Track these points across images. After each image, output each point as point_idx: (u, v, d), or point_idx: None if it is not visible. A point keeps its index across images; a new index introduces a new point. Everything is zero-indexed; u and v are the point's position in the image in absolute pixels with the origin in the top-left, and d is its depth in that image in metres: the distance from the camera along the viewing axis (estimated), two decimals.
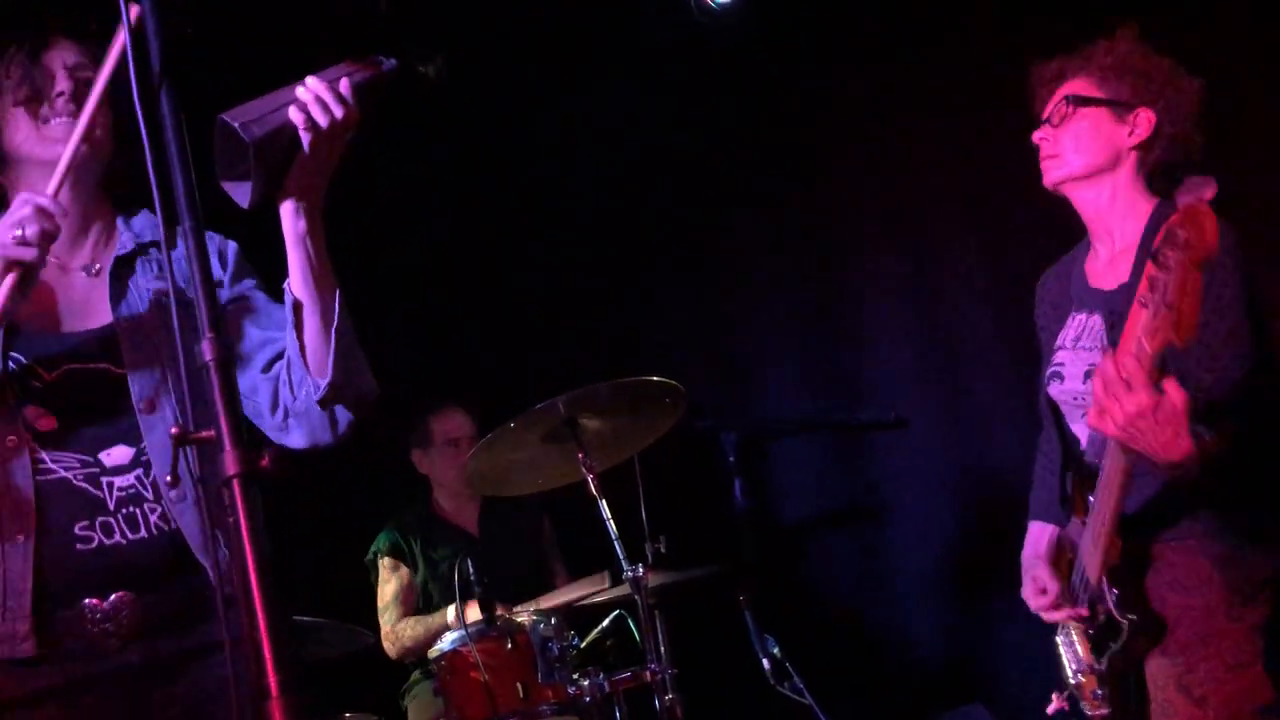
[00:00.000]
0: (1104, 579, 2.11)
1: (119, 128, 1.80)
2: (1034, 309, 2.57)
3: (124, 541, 1.65)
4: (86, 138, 1.67)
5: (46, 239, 1.57)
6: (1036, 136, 2.32)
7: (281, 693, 0.95)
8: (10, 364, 1.68)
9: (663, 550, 3.07)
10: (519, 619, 3.06)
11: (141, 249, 1.87)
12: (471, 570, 3.04)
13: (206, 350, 1.06)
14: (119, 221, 1.91)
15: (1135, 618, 2.07)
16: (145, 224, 1.91)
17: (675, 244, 4.56)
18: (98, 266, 1.84)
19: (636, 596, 2.93)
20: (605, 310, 4.63)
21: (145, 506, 1.68)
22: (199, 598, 1.68)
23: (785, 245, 4.36)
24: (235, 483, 1.00)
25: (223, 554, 1.63)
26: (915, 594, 4.12)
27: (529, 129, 4.58)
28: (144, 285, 1.83)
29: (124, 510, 1.66)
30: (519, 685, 2.89)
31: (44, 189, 1.64)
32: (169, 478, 1.46)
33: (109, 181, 1.88)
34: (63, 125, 1.72)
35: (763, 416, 4.34)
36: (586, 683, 2.88)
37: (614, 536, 3.01)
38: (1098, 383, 1.76)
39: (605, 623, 3.22)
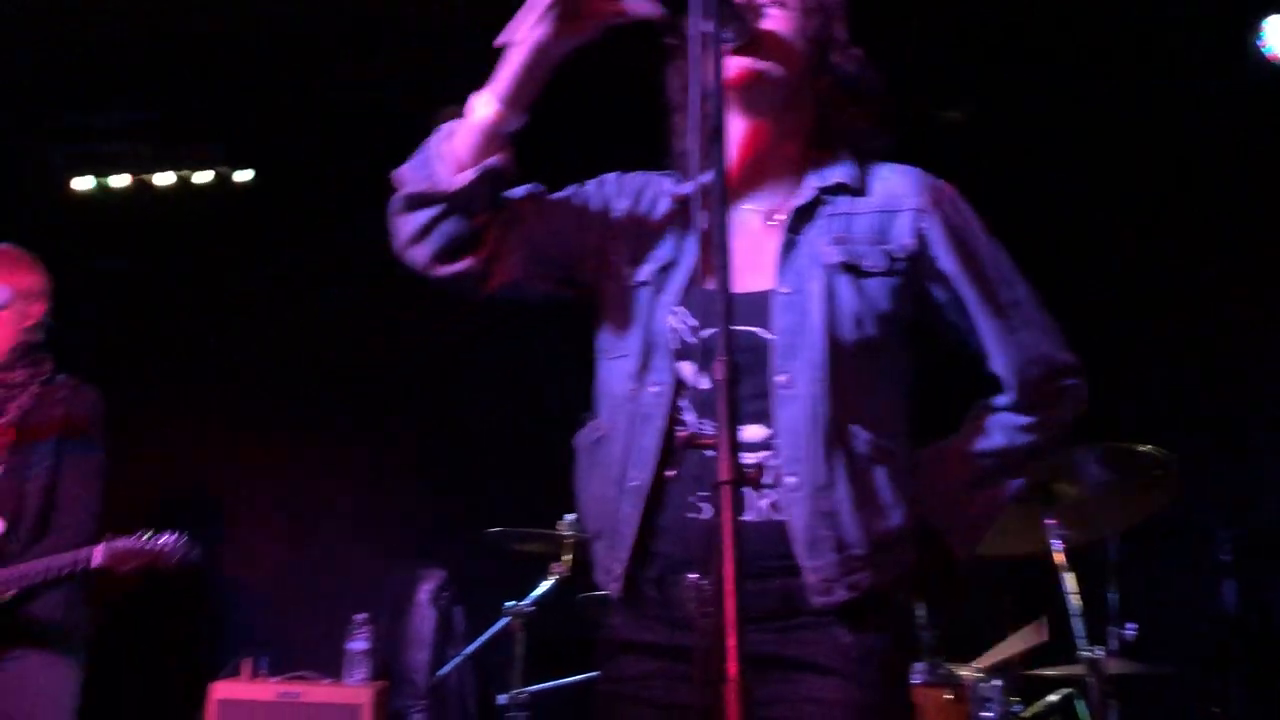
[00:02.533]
0: None
1: (812, 42, 1.72)
2: None
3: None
4: (739, 49, 1.64)
5: None
6: None
7: (739, 678, 1.09)
8: (675, 313, 1.67)
9: (1129, 638, 2.88)
10: (962, 671, 3.03)
11: (829, 200, 1.72)
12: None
13: (718, 370, 1.22)
14: (816, 161, 1.77)
15: None
16: (840, 165, 1.75)
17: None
18: (778, 215, 1.73)
19: (1090, 679, 2.78)
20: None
21: (760, 490, 1.57)
22: (788, 598, 1.55)
23: None
24: (725, 488, 1.16)
25: (829, 558, 1.53)
26: None
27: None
28: (820, 248, 1.67)
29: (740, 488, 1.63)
30: None
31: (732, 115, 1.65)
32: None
33: (800, 108, 1.76)
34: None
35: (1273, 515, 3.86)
36: None
37: (1074, 612, 2.87)
38: None
39: (1053, 698, 3.09)
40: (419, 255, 1.71)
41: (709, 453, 1.36)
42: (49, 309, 3.22)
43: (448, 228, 1.68)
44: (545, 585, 3.67)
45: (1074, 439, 2.90)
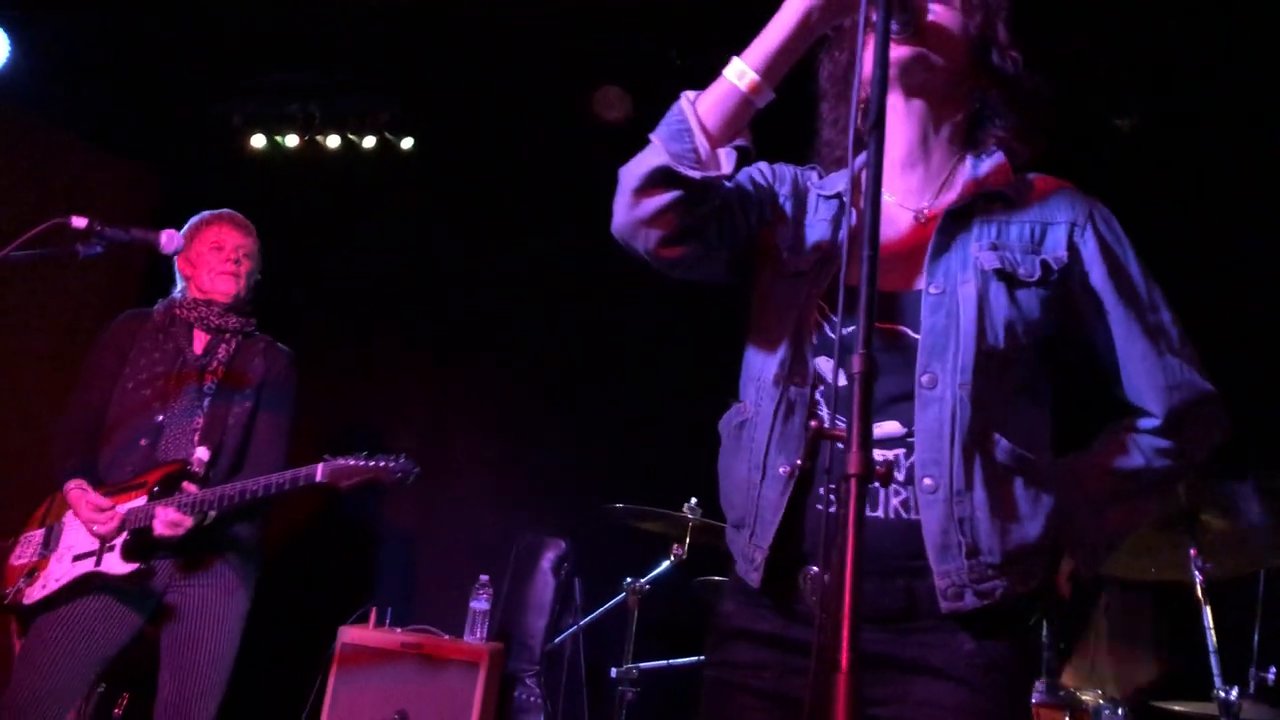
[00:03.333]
0: None
1: (973, 37, 1.70)
2: None
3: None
4: (904, 38, 1.62)
5: None
6: None
7: (849, 669, 1.08)
8: (821, 306, 1.65)
9: (1270, 682, 2.74)
10: (1084, 695, 2.93)
11: (982, 203, 1.68)
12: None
13: (856, 363, 1.20)
14: (968, 161, 1.73)
15: None
16: (994, 165, 1.71)
17: None
18: (929, 213, 1.70)
19: None
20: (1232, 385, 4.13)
21: (891, 488, 1.54)
22: (912, 599, 1.52)
23: None
24: (853, 481, 1.15)
25: (960, 563, 1.50)
26: None
27: None
28: (973, 251, 1.63)
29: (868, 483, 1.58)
30: None
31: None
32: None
33: (959, 101, 1.73)
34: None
35: None
36: None
37: (1212, 649, 2.75)
38: None
39: None
40: (651, 235, 1.63)
41: (840, 445, 1.37)
42: (258, 270, 3.51)
43: (689, 211, 1.61)
44: (664, 565, 3.71)
45: (1227, 471, 2.79)
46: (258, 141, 5.49)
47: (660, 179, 1.58)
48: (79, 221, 2.62)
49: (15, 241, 2.48)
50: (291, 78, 5.38)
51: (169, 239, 2.87)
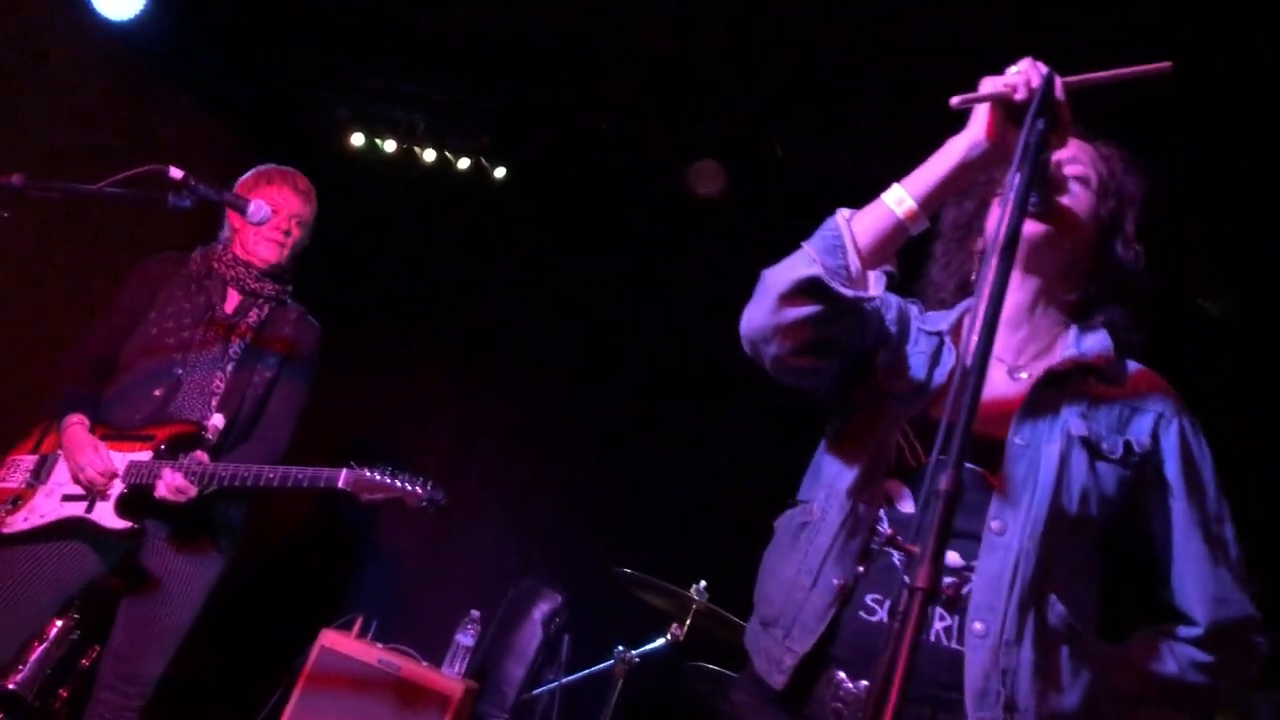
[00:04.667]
0: None
1: (1103, 224, 1.74)
2: None
3: None
4: (1038, 214, 1.65)
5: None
6: None
7: None
8: (904, 432, 1.67)
9: None
10: None
11: (1079, 375, 1.71)
12: None
13: (944, 480, 1.19)
14: (1072, 331, 1.78)
15: None
16: (1098, 341, 1.74)
17: None
18: (1026, 373, 1.74)
19: None
20: None
21: (938, 613, 1.54)
22: None
23: None
24: (919, 594, 1.11)
25: (996, 714, 1.47)
26: None
27: None
28: (1063, 412, 1.66)
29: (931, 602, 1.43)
30: None
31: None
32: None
33: (1072, 279, 1.77)
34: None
35: None
36: None
37: None
38: None
39: None
40: (786, 343, 1.63)
41: (897, 558, 1.33)
42: (308, 238, 3.36)
43: (828, 325, 1.61)
44: (659, 642, 3.63)
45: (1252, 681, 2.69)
46: (357, 139, 5.57)
47: (809, 289, 1.58)
48: (176, 172, 2.64)
49: (112, 178, 2.50)
50: (403, 85, 5.47)
51: (257, 208, 2.88)
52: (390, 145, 5.56)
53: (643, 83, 4.93)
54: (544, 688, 4.29)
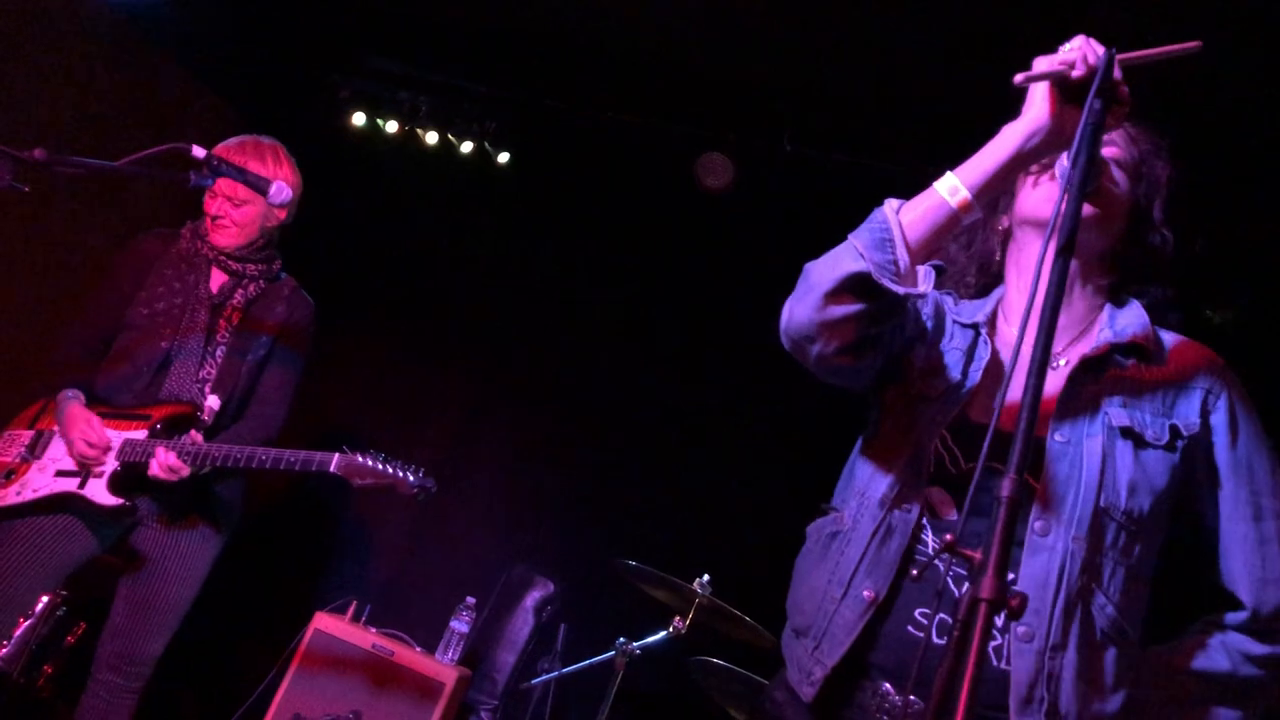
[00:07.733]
0: None
1: (1136, 208, 1.71)
2: None
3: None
4: (1088, 198, 1.60)
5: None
6: None
7: None
8: (942, 438, 1.62)
9: None
10: None
11: (1117, 356, 1.66)
12: None
13: (1005, 487, 1.16)
14: (1106, 310, 1.73)
15: None
16: (1133, 318, 1.70)
17: None
18: (1064, 360, 1.69)
19: None
20: None
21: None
22: None
23: None
24: (983, 605, 1.09)
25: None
26: None
27: None
28: (1103, 402, 1.60)
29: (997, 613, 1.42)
30: None
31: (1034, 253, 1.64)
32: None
33: (1108, 261, 1.74)
34: (1053, 186, 1.63)
35: None
36: None
37: None
38: None
39: None
40: (831, 342, 1.55)
41: (949, 569, 1.30)
42: (293, 213, 3.26)
43: (875, 322, 1.54)
44: (660, 635, 3.62)
45: None
46: (359, 119, 5.51)
47: (856, 286, 1.51)
48: (198, 151, 2.60)
49: (135, 155, 2.46)
50: (407, 67, 5.42)
51: (278, 189, 2.83)
52: (393, 126, 5.50)
53: (648, 70, 4.90)
54: (541, 678, 4.27)
